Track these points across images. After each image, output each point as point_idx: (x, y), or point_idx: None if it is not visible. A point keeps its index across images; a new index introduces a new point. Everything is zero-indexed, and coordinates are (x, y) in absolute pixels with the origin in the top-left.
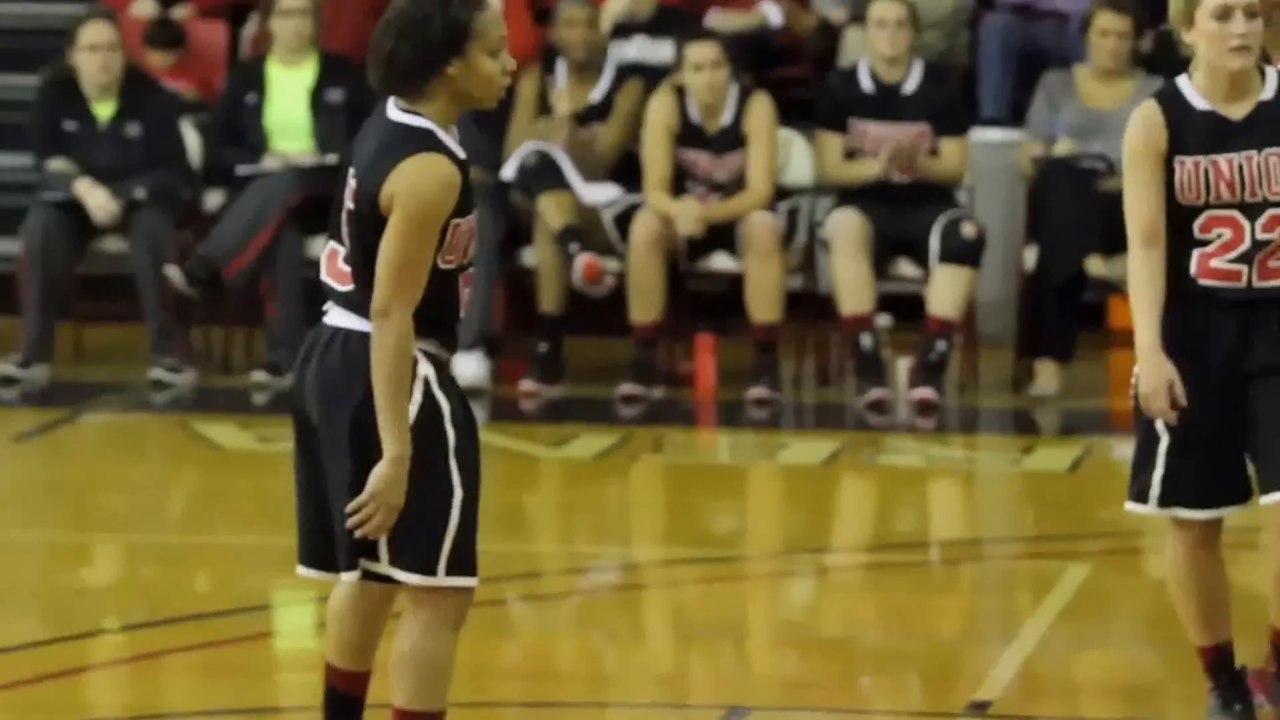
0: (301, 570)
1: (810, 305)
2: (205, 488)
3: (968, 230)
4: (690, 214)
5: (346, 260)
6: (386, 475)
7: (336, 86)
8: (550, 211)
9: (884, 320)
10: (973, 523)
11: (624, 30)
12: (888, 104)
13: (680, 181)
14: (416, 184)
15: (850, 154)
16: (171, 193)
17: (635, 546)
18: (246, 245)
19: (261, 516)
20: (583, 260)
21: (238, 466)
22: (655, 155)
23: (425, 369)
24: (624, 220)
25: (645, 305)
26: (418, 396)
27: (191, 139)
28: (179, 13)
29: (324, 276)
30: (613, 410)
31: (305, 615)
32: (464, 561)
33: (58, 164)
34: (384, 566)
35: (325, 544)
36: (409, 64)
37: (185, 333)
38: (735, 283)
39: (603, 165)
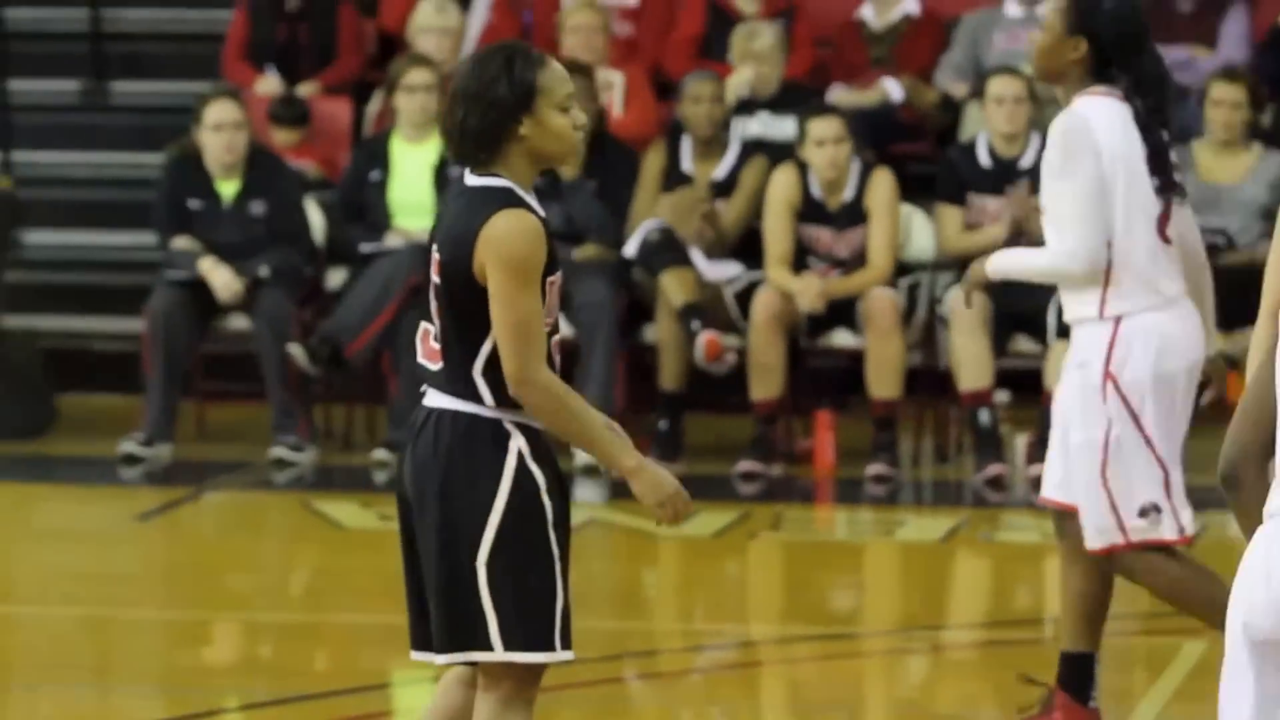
0: (414, 654)
1: (930, 381)
2: (326, 566)
3: None
4: (811, 290)
5: (436, 339)
6: (645, 487)
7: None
8: (672, 288)
9: (1002, 396)
10: None
11: (747, 106)
12: (1005, 179)
13: (801, 257)
14: (508, 239)
15: (969, 229)
16: (295, 271)
17: (753, 624)
18: (369, 323)
19: (383, 595)
20: (704, 338)
21: (359, 545)
22: (776, 231)
23: (518, 441)
24: (745, 297)
25: (765, 382)
26: (510, 470)
27: (315, 217)
28: (304, 90)
29: (420, 359)
30: (732, 487)
31: (424, 694)
32: (569, 634)
33: (182, 242)
34: (499, 654)
35: (429, 628)
36: (481, 129)
37: (307, 411)
38: (855, 359)
39: (726, 242)
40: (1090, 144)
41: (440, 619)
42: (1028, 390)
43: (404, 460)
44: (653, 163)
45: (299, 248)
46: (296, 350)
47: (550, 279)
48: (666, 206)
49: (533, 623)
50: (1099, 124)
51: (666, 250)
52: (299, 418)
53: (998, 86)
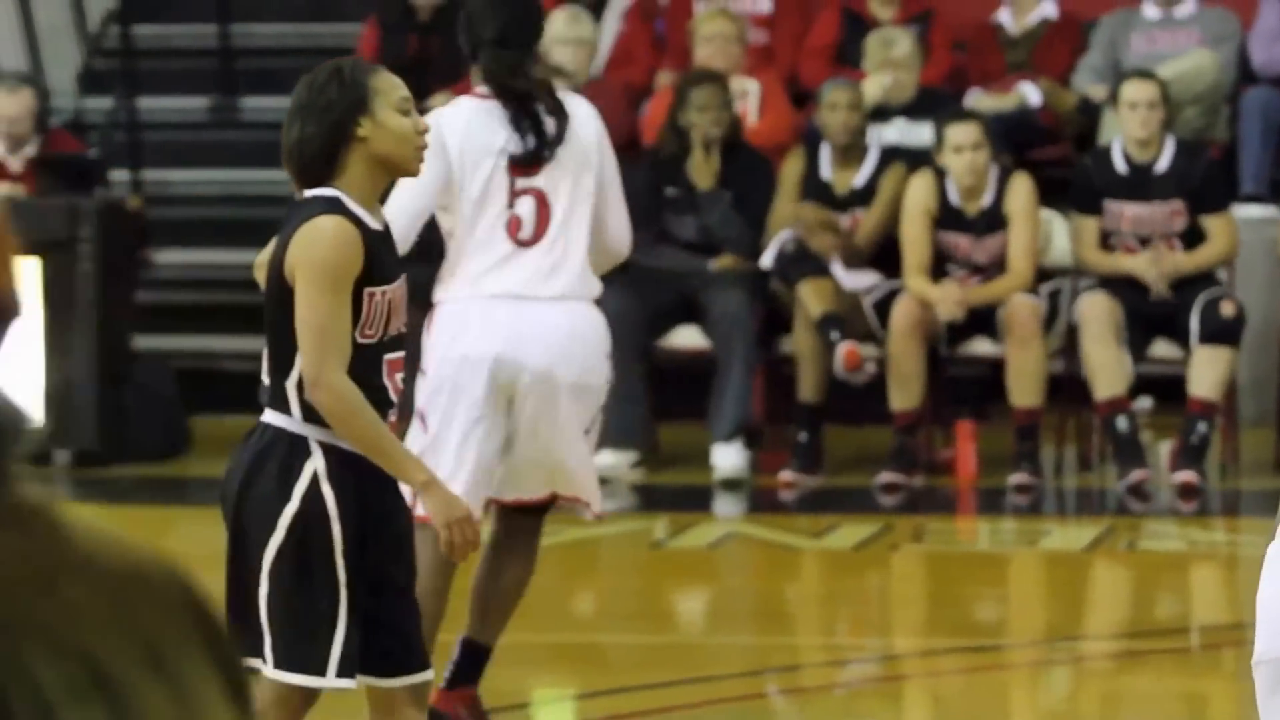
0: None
1: (1072, 388)
2: (461, 586)
3: (1227, 309)
4: (950, 298)
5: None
6: (434, 505)
7: None
8: (810, 298)
9: (1145, 403)
10: (1235, 607)
11: (883, 113)
12: (1140, 184)
13: (940, 265)
14: (315, 242)
15: (1106, 236)
16: (427, 288)
17: (896, 637)
18: None
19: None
20: (844, 348)
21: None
22: (914, 239)
23: (316, 462)
24: (884, 306)
25: (905, 392)
26: (301, 489)
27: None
28: (435, 103)
29: (262, 376)
30: (873, 499)
31: (556, 716)
32: (347, 664)
33: None
34: (269, 670)
35: None
36: (317, 138)
37: None
38: (996, 367)
39: (865, 250)
40: None
41: (234, 623)
42: (1172, 397)
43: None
44: (791, 171)
45: (431, 265)
46: None
47: (371, 290)
48: (795, 223)
49: (305, 646)
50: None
51: (804, 260)
52: None
53: (1130, 91)
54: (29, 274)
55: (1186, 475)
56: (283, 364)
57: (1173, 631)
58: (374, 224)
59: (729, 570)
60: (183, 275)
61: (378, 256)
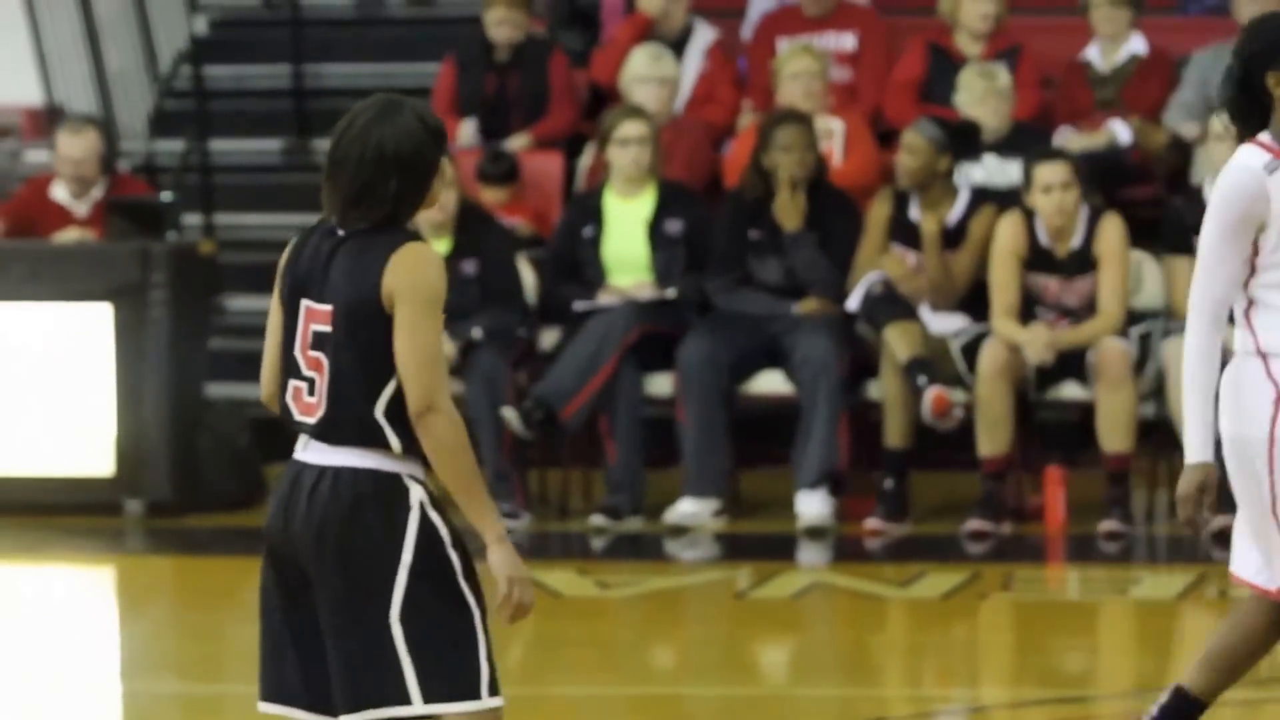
0: (264, 706)
1: (1163, 433)
2: (543, 637)
3: None
4: (1039, 341)
5: (312, 392)
6: (501, 559)
7: (676, 217)
8: (897, 342)
9: None
10: None
11: (973, 150)
12: None
13: (1028, 307)
14: (416, 269)
15: None
16: (508, 332)
17: (984, 688)
18: (584, 385)
19: (603, 667)
20: (932, 393)
21: (576, 614)
22: (1003, 281)
23: (418, 494)
24: (971, 350)
25: (993, 437)
26: (414, 525)
27: (527, 275)
28: (514, 143)
29: (297, 417)
30: (960, 547)
31: None
32: (496, 681)
33: None
34: (418, 707)
35: (312, 685)
36: (415, 197)
37: (522, 476)
38: (1086, 412)
39: (955, 293)
40: None
41: (347, 678)
42: None
43: (289, 515)
44: (879, 212)
45: (512, 308)
46: (510, 414)
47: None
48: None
49: (457, 674)
50: None
51: (891, 303)
52: (514, 484)
53: (1220, 125)
54: (100, 321)
55: None
56: (370, 394)
57: (1266, 681)
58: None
59: (813, 620)
60: (256, 321)
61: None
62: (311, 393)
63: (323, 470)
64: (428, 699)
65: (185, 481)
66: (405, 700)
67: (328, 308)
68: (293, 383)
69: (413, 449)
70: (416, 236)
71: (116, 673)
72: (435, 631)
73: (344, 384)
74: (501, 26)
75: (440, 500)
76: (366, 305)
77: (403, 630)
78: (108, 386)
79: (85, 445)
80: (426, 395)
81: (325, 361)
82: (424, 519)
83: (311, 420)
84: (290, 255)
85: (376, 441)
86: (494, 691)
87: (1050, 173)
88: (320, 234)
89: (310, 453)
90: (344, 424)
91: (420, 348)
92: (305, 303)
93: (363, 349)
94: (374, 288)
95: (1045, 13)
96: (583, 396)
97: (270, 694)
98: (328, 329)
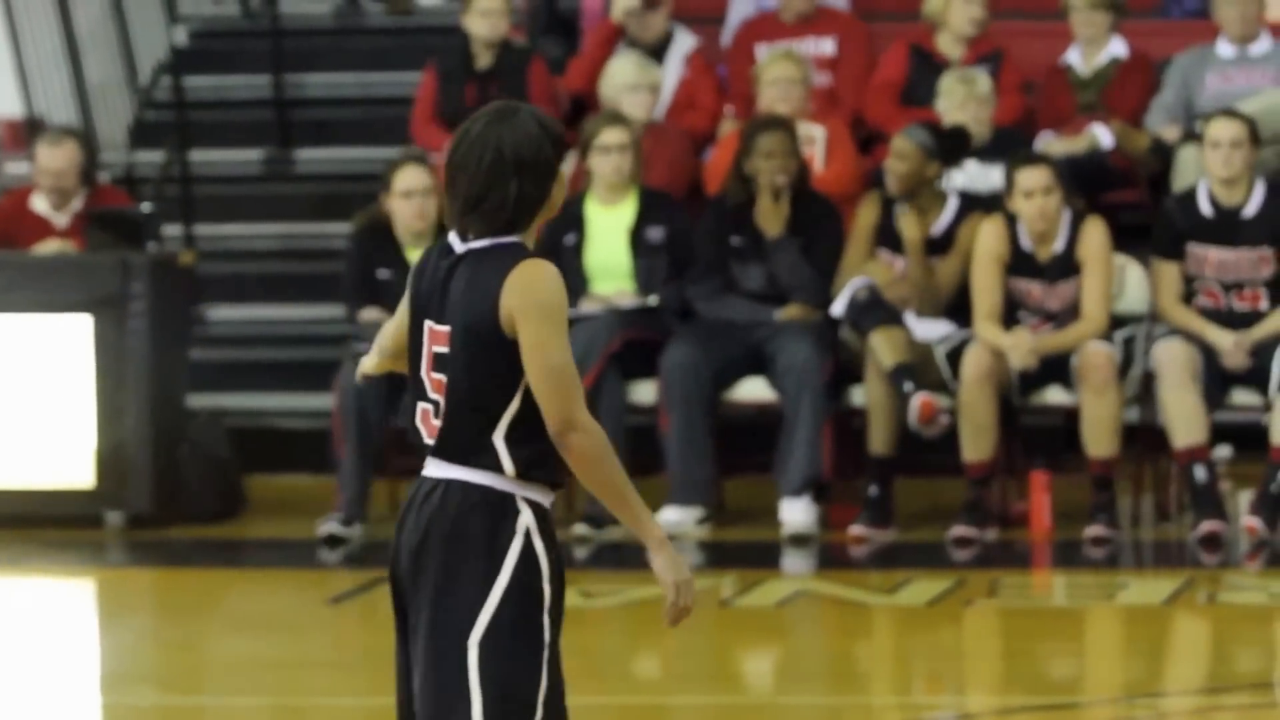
0: None
1: (1148, 437)
2: None
3: None
4: (1022, 346)
5: (439, 415)
6: (664, 563)
7: (657, 224)
8: (882, 349)
9: (1225, 451)
10: None
11: (954, 156)
12: (1227, 228)
13: (1011, 312)
14: (535, 286)
15: (1188, 281)
16: None
17: (971, 695)
18: None
19: (589, 675)
20: (919, 400)
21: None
22: (985, 286)
23: (526, 519)
24: (955, 356)
25: (977, 443)
26: (516, 549)
27: None
28: None
29: (424, 440)
30: (945, 554)
31: None
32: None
33: (371, 314)
34: None
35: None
36: (535, 200)
37: None
38: (1070, 416)
39: (941, 300)
40: None
41: (425, 695)
42: (1251, 445)
43: (400, 526)
44: (865, 217)
45: None
46: None
47: None
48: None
49: (515, 708)
50: None
51: (876, 309)
52: None
53: (1215, 130)
54: (80, 332)
55: (1250, 521)
56: (491, 416)
57: (1256, 686)
58: None
59: (799, 628)
60: (237, 332)
61: None
62: (437, 415)
63: (436, 482)
64: None
65: (166, 493)
66: None
67: (446, 329)
68: (420, 405)
69: (530, 473)
70: (532, 253)
71: (97, 686)
72: (507, 664)
73: (463, 406)
74: (485, 18)
75: (552, 528)
76: (484, 326)
77: (478, 656)
78: (88, 398)
79: (65, 457)
80: (563, 413)
81: (446, 383)
82: (527, 546)
83: (434, 442)
84: (414, 274)
85: (492, 464)
86: None
87: (1032, 177)
88: (439, 252)
89: (430, 467)
90: (462, 445)
91: (552, 367)
92: (427, 323)
93: (481, 371)
94: (491, 309)
95: (1027, 16)
96: None
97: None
98: (447, 350)
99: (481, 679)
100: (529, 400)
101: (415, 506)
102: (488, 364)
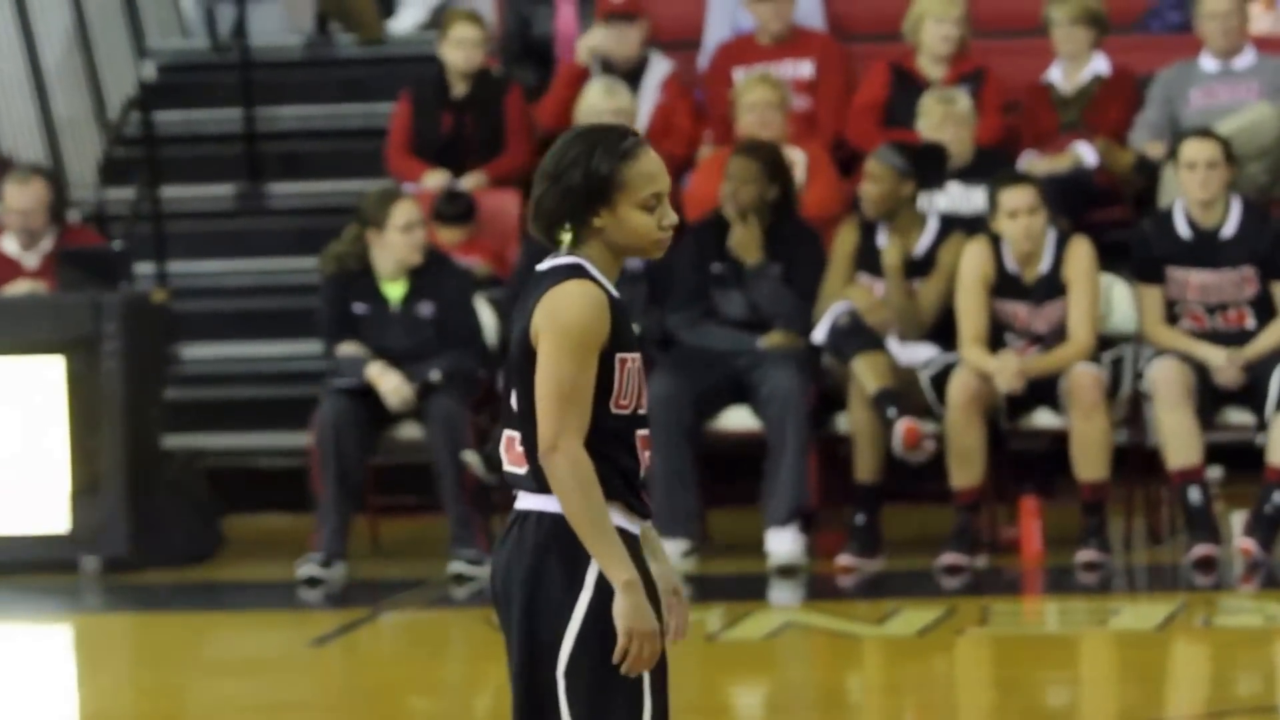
0: None
1: (1138, 460)
2: None
3: None
4: (1009, 369)
5: (521, 442)
6: (625, 608)
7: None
8: (865, 374)
9: (1215, 472)
10: None
11: (937, 178)
12: (1206, 250)
13: (997, 335)
14: (559, 306)
15: (1171, 304)
16: (468, 374)
17: None
18: None
19: None
20: (903, 425)
21: None
22: (970, 308)
23: None
24: (941, 380)
25: (965, 469)
26: (594, 574)
27: (486, 316)
28: (469, 182)
29: (507, 467)
30: (934, 582)
31: None
32: None
33: (348, 349)
34: None
35: None
36: (555, 211)
37: (486, 522)
38: (1059, 440)
39: (923, 323)
40: None
41: None
42: (1242, 466)
43: (494, 562)
44: (845, 241)
45: (471, 350)
46: (472, 458)
47: (624, 356)
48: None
49: None
50: None
51: (858, 334)
52: (477, 529)
53: (1189, 151)
54: (52, 374)
55: (1243, 543)
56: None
57: (1255, 710)
58: (614, 292)
59: (787, 661)
60: (212, 370)
61: (623, 323)
62: (521, 442)
63: (518, 514)
64: None
65: (143, 536)
66: None
67: (511, 351)
68: (506, 432)
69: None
70: (577, 273)
71: None
72: (598, 691)
73: (524, 429)
74: (459, 49)
75: (636, 550)
76: (523, 346)
77: (565, 685)
78: (61, 440)
79: (39, 501)
80: (551, 434)
81: (514, 406)
82: (601, 576)
83: (519, 470)
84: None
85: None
86: None
87: (1015, 197)
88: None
89: (519, 500)
90: (532, 471)
91: (554, 383)
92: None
93: (529, 392)
94: (527, 329)
95: (1008, 35)
96: None
97: None
98: (510, 373)
99: (571, 711)
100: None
101: (502, 540)
102: (531, 384)
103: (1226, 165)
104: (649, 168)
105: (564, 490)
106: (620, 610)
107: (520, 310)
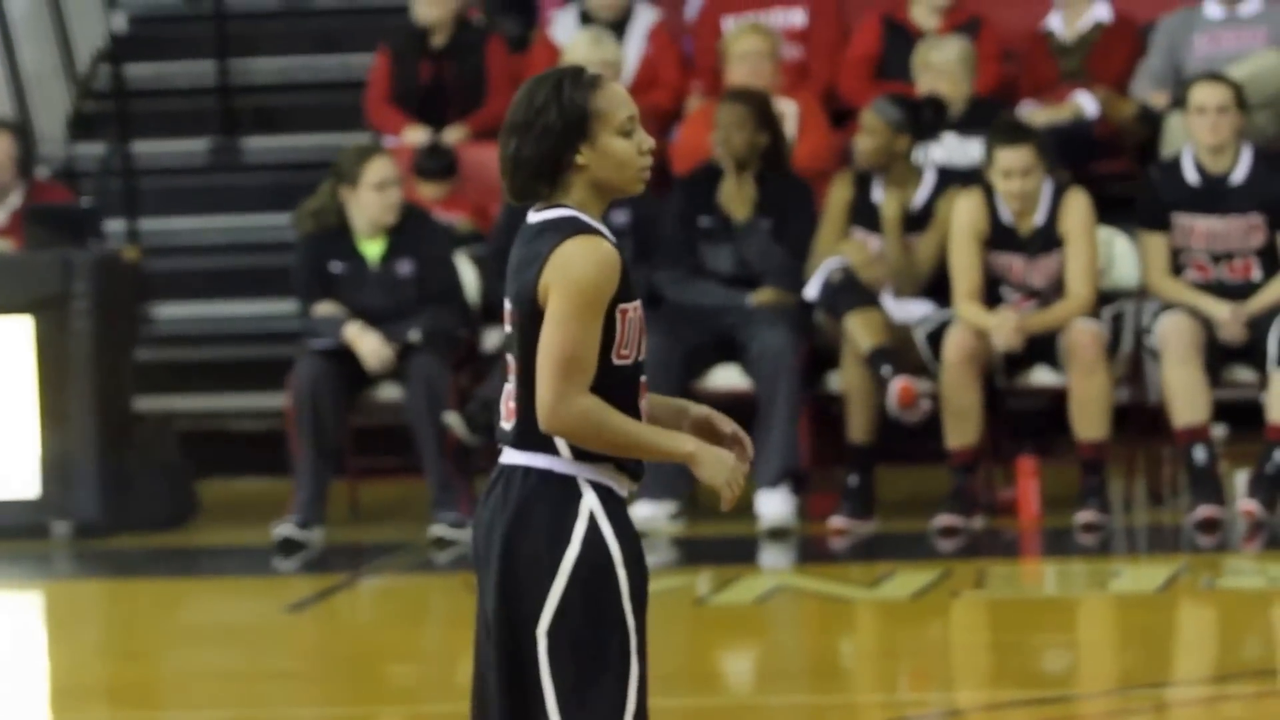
0: None
1: (1139, 419)
2: None
3: None
4: (1006, 326)
5: (513, 397)
6: (710, 466)
7: (621, 207)
8: (859, 332)
9: (1219, 431)
10: None
11: (932, 130)
12: (1214, 196)
13: (993, 289)
14: (571, 265)
15: (1176, 253)
16: (448, 333)
17: (960, 690)
18: None
19: None
20: (898, 384)
21: None
22: (964, 263)
23: (589, 501)
24: (936, 337)
25: (961, 428)
26: (580, 533)
27: (467, 273)
28: (451, 135)
29: (501, 422)
30: (930, 544)
31: None
32: (643, 714)
33: (325, 308)
34: None
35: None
36: (535, 161)
37: (468, 484)
38: (1058, 398)
39: (921, 279)
40: None
41: (498, 693)
42: (1245, 423)
43: (475, 519)
44: (838, 195)
45: (451, 308)
46: (453, 419)
47: (626, 306)
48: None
49: (599, 701)
50: None
51: (851, 290)
52: (459, 492)
53: (1199, 95)
54: (20, 335)
55: (1246, 504)
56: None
57: (1259, 674)
58: (613, 238)
59: (778, 625)
60: (185, 330)
61: (625, 273)
62: (514, 397)
63: (502, 470)
64: None
65: (114, 501)
66: None
67: (510, 307)
68: (505, 387)
69: (590, 454)
70: (586, 227)
71: (46, 702)
72: (581, 652)
73: (523, 386)
74: (431, 5)
75: (623, 511)
76: (530, 305)
77: (547, 644)
78: (30, 403)
79: (8, 466)
80: (554, 394)
81: (512, 364)
82: (591, 529)
83: (508, 425)
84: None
85: (548, 446)
86: None
87: (1011, 158)
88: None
89: (503, 455)
90: (524, 429)
91: (560, 343)
92: (505, 301)
93: (532, 350)
94: (533, 284)
95: None
96: None
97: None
98: (512, 328)
99: (553, 672)
100: None
101: (484, 497)
102: (536, 342)
103: (1237, 111)
104: (618, 92)
105: (587, 438)
106: (710, 473)
107: (521, 265)
